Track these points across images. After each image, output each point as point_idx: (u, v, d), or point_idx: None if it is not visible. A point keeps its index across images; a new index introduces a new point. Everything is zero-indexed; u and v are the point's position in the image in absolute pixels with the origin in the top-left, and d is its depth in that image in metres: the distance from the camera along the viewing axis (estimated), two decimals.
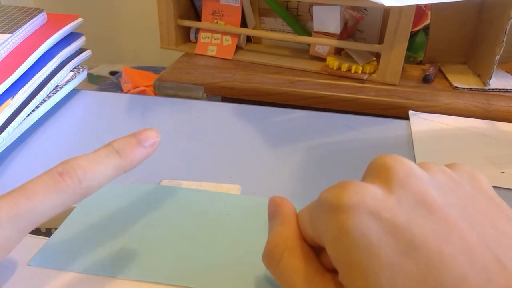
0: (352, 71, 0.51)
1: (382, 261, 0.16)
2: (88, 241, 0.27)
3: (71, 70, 0.47)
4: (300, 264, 0.20)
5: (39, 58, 0.41)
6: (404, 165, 0.19)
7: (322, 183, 0.32)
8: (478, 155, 0.38)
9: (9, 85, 0.36)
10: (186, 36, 0.61)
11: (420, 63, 0.57)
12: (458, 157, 0.37)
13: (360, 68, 0.51)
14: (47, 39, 0.42)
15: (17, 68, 0.37)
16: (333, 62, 0.52)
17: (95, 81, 1.39)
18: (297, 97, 0.50)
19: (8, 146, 0.37)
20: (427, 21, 0.56)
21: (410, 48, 0.54)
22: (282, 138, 0.40)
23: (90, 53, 0.49)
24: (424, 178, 0.19)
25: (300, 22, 0.57)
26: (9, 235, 0.20)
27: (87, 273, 0.25)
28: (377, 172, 0.19)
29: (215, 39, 0.58)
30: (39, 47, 0.40)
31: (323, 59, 0.54)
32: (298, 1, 0.55)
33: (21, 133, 0.38)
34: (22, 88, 0.37)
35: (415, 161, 0.37)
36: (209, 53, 0.58)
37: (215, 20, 0.58)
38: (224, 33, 0.58)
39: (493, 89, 0.49)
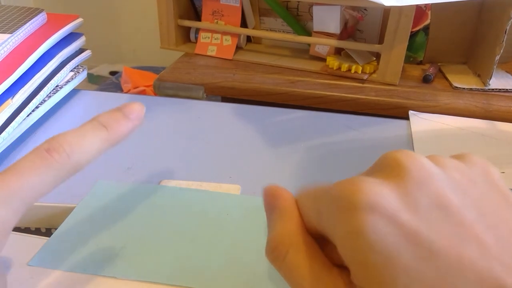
0: (352, 71, 0.51)
1: (399, 266, 0.16)
2: (88, 241, 0.27)
3: (71, 70, 0.47)
4: (306, 261, 0.19)
5: (39, 58, 0.41)
6: (418, 162, 0.18)
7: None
8: (478, 155, 0.38)
9: (9, 85, 0.36)
10: (186, 36, 0.61)
11: (420, 63, 0.57)
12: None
13: (360, 68, 0.51)
14: (47, 39, 0.42)
15: (17, 68, 0.37)
16: (333, 62, 0.52)
17: (95, 81, 1.39)
18: (297, 97, 0.50)
19: (8, 146, 0.37)
20: (427, 21, 0.56)
21: (410, 48, 0.54)
22: (282, 138, 0.40)
23: (90, 53, 0.49)
24: (440, 178, 0.18)
25: (300, 22, 0.57)
26: (4, 216, 0.19)
27: (87, 273, 0.25)
28: (390, 169, 0.18)
29: (215, 39, 0.58)
30: (39, 47, 0.40)
31: (323, 59, 0.54)
32: (298, 1, 0.55)
33: (21, 133, 0.38)
34: (22, 88, 0.37)
35: None
36: (209, 53, 0.58)
37: (215, 20, 0.58)
38: (224, 33, 0.58)
39: (493, 89, 0.49)
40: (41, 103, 0.41)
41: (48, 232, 0.31)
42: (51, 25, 0.44)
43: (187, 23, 0.59)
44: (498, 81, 0.50)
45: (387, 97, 0.48)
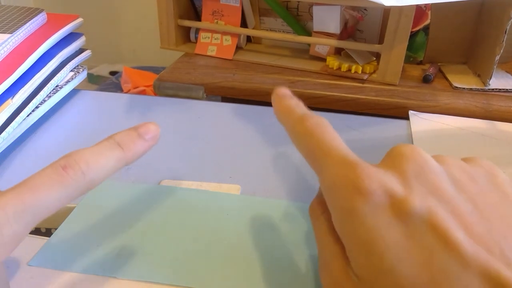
0: (352, 71, 0.51)
1: (387, 242, 0.17)
2: (88, 241, 0.27)
3: (71, 70, 0.47)
4: (327, 227, 0.21)
5: (39, 58, 0.41)
6: (420, 156, 0.20)
7: None
8: (478, 155, 0.37)
9: (9, 85, 0.36)
10: (186, 36, 0.61)
11: (420, 63, 0.57)
12: (458, 157, 0.37)
13: (360, 68, 0.51)
14: (47, 39, 0.42)
15: (17, 68, 0.37)
16: (333, 62, 0.52)
17: (95, 81, 1.39)
18: (297, 97, 0.50)
19: (8, 146, 0.37)
20: (427, 21, 0.56)
21: (410, 48, 0.54)
22: (282, 138, 0.40)
23: (90, 53, 0.49)
24: (438, 171, 0.19)
25: (300, 22, 0.57)
26: (16, 230, 0.20)
27: (87, 273, 0.25)
28: (394, 160, 0.20)
29: (215, 39, 0.58)
30: (39, 47, 0.40)
31: (323, 59, 0.54)
32: (298, 1, 0.55)
33: (21, 133, 0.38)
34: (22, 88, 0.37)
35: None
36: (209, 53, 0.58)
37: (215, 20, 0.58)
38: (224, 33, 0.58)
39: (493, 89, 0.49)
40: (41, 103, 0.41)
41: (48, 232, 0.31)
42: (51, 25, 0.44)
43: (187, 23, 0.59)
44: (498, 81, 0.50)
45: (387, 97, 0.48)
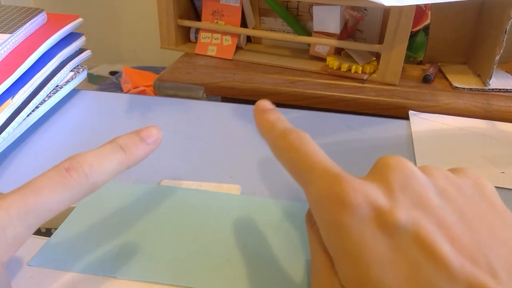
0: (352, 71, 0.51)
1: (373, 255, 0.17)
2: (88, 241, 0.27)
3: (71, 70, 0.47)
4: (320, 240, 0.21)
5: (39, 58, 0.41)
6: (406, 168, 0.20)
7: None
8: (478, 155, 0.38)
9: (9, 85, 0.36)
10: (186, 36, 0.61)
11: (420, 63, 0.57)
12: (458, 157, 0.37)
13: (360, 68, 0.51)
14: (47, 39, 0.42)
15: (17, 68, 0.37)
16: (333, 62, 0.52)
17: (95, 81, 1.39)
18: (297, 97, 0.50)
19: (8, 146, 0.37)
20: (427, 21, 0.56)
21: (410, 48, 0.54)
22: None
23: (90, 53, 0.49)
24: (424, 182, 0.19)
25: (300, 22, 0.57)
26: (19, 231, 0.20)
27: (87, 273, 0.25)
28: (380, 172, 0.20)
29: (215, 39, 0.58)
30: (39, 47, 0.40)
31: (323, 59, 0.54)
32: (298, 1, 0.55)
33: (21, 133, 0.38)
34: (22, 88, 0.37)
35: (415, 162, 0.37)
36: (209, 53, 0.58)
37: (215, 20, 0.58)
38: (224, 33, 0.58)
39: (493, 89, 0.49)
40: (41, 103, 0.41)
41: (48, 232, 0.31)
42: (51, 25, 0.44)
43: (187, 23, 0.59)
44: (498, 81, 0.50)
45: (387, 97, 0.48)
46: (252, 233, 0.28)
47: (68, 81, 0.45)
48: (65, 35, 0.45)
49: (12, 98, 0.36)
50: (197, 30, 0.60)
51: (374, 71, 0.52)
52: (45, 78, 0.41)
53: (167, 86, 0.52)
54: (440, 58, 0.56)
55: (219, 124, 0.42)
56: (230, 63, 0.56)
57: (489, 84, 0.49)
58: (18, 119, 0.37)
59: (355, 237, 0.17)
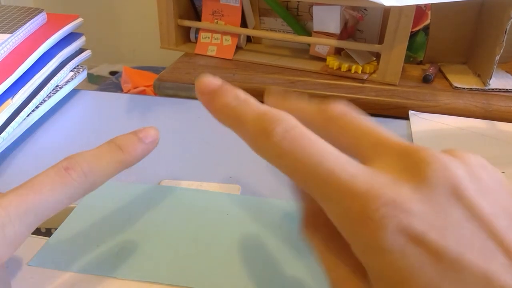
0: (352, 71, 0.51)
1: (421, 282, 0.15)
2: (88, 241, 0.27)
3: (71, 70, 0.47)
4: (329, 250, 0.19)
5: (39, 58, 0.41)
6: (447, 170, 0.16)
7: None
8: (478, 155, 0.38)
9: (9, 85, 0.36)
10: (186, 36, 0.61)
11: (420, 63, 0.57)
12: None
13: (360, 68, 0.51)
14: (47, 39, 0.42)
15: (17, 68, 0.37)
16: (333, 62, 0.52)
17: (95, 81, 1.39)
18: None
19: (8, 146, 0.37)
20: (427, 21, 0.56)
21: (410, 48, 0.54)
22: None
23: (90, 53, 0.49)
24: (470, 187, 0.16)
25: (300, 22, 0.57)
26: (18, 230, 0.20)
27: (87, 273, 0.25)
28: (417, 175, 0.16)
29: (215, 39, 0.58)
30: (39, 47, 0.40)
31: (323, 59, 0.54)
32: (298, 1, 0.55)
33: (21, 133, 0.38)
34: (22, 88, 0.37)
35: None
36: (209, 53, 0.58)
37: (215, 20, 0.58)
38: (224, 33, 0.58)
39: (493, 89, 0.49)
40: (41, 103, 0.41)
41: (48, 232, 0.31)
42: (51, 25, 0.44)
43: (187, 23, 0.59)
44: (498, 81, 0.50)
45: (387, 97, 0.48)
46: (252, 233, 0.28)
47: (68, 81, 0.45)
48: (65, 35, 0.45)
49: (12, 98, 0.36)
50: (197, 30, 0.60)
51: (374, 71, 0.52)
52: (45, 78, 0.41)
53: (167, 86, 0.52)
54: (440, 58, 0.56)
55: (219, 124, 0.42)
56: (230, 63, 0.56)
57: (489, 84, 0.49)
58: (18, 119, 0.37)
59: (399, 264, 0.15)
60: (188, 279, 0.24)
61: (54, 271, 0.25)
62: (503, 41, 0.46)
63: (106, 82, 1.23)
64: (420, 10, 0.56)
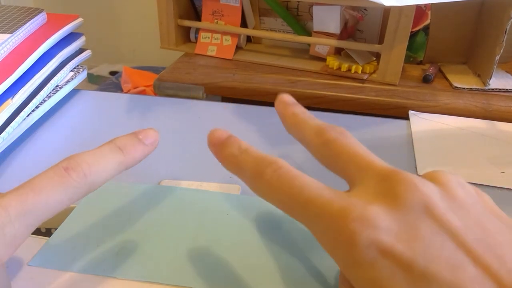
0: (352, 71, 0.51)
1: None
2: (88, 241, 0.27)
3: (71, 70, 0.47)
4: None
5: (39, 58, 0.41)
6: (420, 193, 0.18)
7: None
8: (478, 155, 0.38)
9: (9, 85, 0.36)
10: (186, 36, 0.61)
11: (420, 63, 0.57)
12: (458, 157, 0.37)
13: (360, 68, 0.51)
14: (47, 39, 0.42)
15: (17, 68, 0.37)
16: (333, 62, 0.52)
17: (95, 81, 1.39)
18: (297, 97, 0.49)
19: (8, 146, 0.37)
20: (427, 21, 0.56)
21: (410, 48, 0.54)
22: (282, 138, 0.40)
23: (90, 53, 0.49)
24: (439, 200, 0.18)
25: (300, 22, 0.57)
26: (18, 231, 0.20)
27: (87, 273, 0.25)
28: (392, 196, 0.18)
29: (215, 39, 0.58)
30: (39, 47, 0.40)
31: (323, 59, 0.54)
32: (298, 1, 0.55)
33: (21, 133, 0.38)
34: (22, 88, 0.37)
35: (415, 162, 0.37)
36: (209, 53, 0.58)
37: (215, 20, 0.58)
38: (224, 33, 0.58)
39: (493, 89, 0.49)
40: (41, 103, 0.41)
41: (48, 232, 0.31)
42: (51, 25, 0.44)
43: (187, 23, 0.59)
44: (498, 81, 0.50)
45: (387, 97, 0.48)
46: (252, 233, 0.28)
47: (68, 81, 0.45)
48: (65, 35, 0.45)
49: (12, 98, 0.36)
50: (197, 30, 0.60)
51: (374, 71, 0.52)
52: (45, 78, 0.41)
53: (167, 86, 0.52)
54: (440, 58, 0.56)
55: (219, 124, 0.42)
56: (230, 63, 0.56)
57: (489, 84, 0.49)
58: (18, 119, 0.37)
59: (371, 275, 0.17)
60: (188, 279, 0.24)
61: (54, 271, 0.25)
62: (503, 41, 0.46)
63: (106, 82, 1.23)
64: (420, 10, 0.56)
